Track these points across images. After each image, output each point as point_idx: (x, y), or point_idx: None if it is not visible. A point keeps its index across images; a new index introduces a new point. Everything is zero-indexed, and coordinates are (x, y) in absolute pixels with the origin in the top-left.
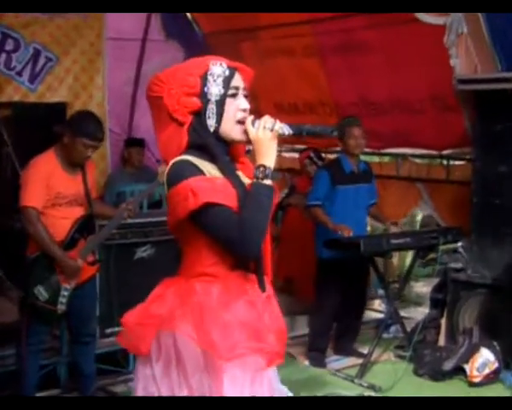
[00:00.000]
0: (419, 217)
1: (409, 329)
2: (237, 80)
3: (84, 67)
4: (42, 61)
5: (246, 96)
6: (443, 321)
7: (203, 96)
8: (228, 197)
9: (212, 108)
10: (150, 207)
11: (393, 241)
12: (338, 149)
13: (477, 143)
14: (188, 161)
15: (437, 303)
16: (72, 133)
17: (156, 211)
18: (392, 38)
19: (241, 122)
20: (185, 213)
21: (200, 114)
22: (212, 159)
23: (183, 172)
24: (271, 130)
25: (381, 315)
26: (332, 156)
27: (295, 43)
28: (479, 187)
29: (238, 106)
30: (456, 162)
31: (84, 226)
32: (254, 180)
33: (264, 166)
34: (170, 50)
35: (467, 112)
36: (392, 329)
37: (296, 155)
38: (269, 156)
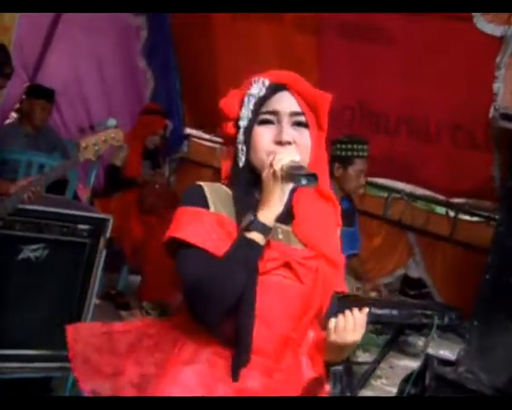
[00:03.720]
0: None
1: None
2: (277, 103)
3: None
4: None
5: (298, 124)
6: None
7: (237, 122)
8: (215, 241)
9: (240, 138)
10: (50, 190)
11: (375, 310)
12: None
13: (507, 201)
14: (199, 188)
15: None
16: None
17: (58, 198)
18: (423, 33)
19: None
20: (163, 245)
21: (234, 143)
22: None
23: (187, 197)
24: (274, 168)
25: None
26: None
27: None
28: (496, 260)
29: (272, 137)
30: (467, 217)
31: None
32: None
33: (253, 215)
34: None
35: (499, 156)
36: None
37: None
38: (266, 204)
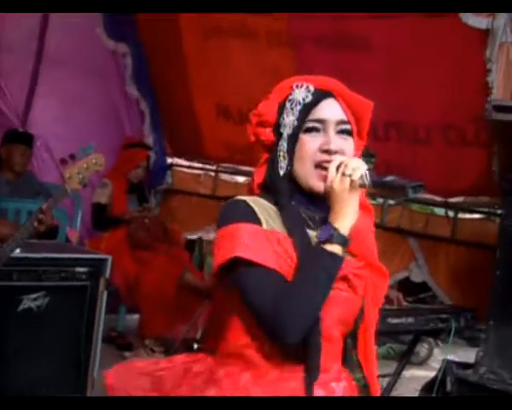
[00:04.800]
0: None
1: None
2: (323, 111)
3: None
4: None
5: (344, 132)
6: None
7: (277, 129)
8: (276, 259)
9: (282, 146)
10: (41, 236)
11: (391, 320)
12: None
13: (510, 195)
14: (243, 202)
15: None
16: None
17: (52, 243)
18: (402, 35)
19: (323, 167)
20: (216, 266)
21: (273, 151)
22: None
23: (234, 214)
24: (352, 178)
25: None
26: None
27: (258, 24)
28: (506, 255)
29: (319, 145)
30: (468, 215)
31: None
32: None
33: (332, 227)
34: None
35: (498, 149)
36: None
37: (241, 179)
38: (343, 215)
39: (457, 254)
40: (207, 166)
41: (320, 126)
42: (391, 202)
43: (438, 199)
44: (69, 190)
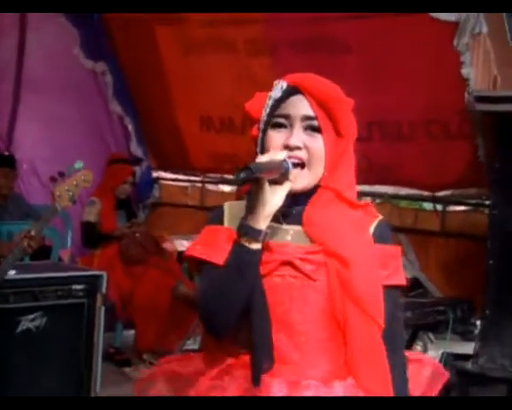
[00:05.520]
0: None
1: None
2: (290, 106)
3: None
4: None
5: (310, 128)
6: None
7: (259, 124)
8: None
9: (259, 141)
10: (34, 257)
11: None
12: None
13: (497, 184)
14: (220, 207)
15: None
16: None
17: (47, 263)
18: (377, 35)
19: None
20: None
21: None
22: None
23: (209, 218)
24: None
25: None
26: None
27: (235, 35)
28: (498, 244)
29: (283, 141)
30: (456, 208)
31: None
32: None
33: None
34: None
35: (483, 141)
36: None
37: (228, 189)
38: (252, 206)
39: (448, 247)
40: (193, 178)
41: (286, 122)
42: (379, 199)
43: (426, 194)
44: (59, 209)
